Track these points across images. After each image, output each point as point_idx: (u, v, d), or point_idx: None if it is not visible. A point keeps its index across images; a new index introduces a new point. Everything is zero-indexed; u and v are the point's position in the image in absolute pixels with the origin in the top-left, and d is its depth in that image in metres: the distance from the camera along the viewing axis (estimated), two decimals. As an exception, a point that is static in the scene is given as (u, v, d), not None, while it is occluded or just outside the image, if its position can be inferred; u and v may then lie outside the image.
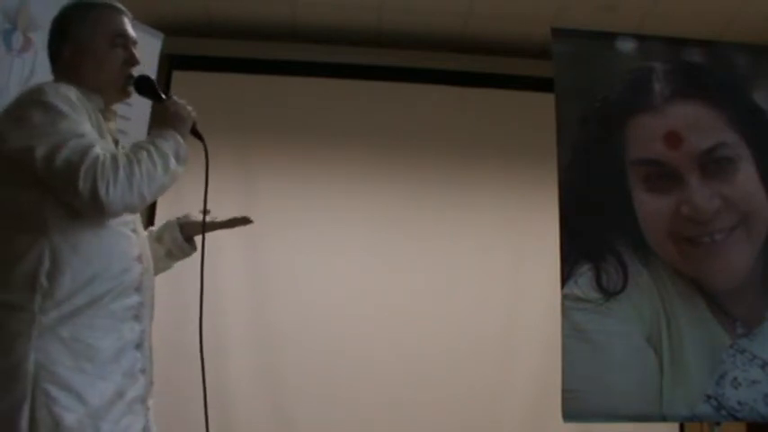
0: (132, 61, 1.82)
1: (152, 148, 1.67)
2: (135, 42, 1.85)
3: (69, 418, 1.53)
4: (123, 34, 1.82)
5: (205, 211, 1.96)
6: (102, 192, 1.56)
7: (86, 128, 1.64)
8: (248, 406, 3.68)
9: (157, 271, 1.97)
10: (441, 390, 3.68)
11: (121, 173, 1.59)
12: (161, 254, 2.00)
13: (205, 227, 1.98)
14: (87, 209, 1.60)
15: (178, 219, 2.04)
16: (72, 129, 1.61)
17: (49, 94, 1.64)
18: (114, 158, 1.60)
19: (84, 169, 1.55)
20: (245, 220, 2.07)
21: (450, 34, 4.09)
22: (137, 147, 1.69)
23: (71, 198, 1.58)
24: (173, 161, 1.69)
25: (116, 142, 1.80)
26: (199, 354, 1.80)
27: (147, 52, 1.88)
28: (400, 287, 3.85)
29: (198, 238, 2.05)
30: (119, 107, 1.92)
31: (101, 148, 1.61)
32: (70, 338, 1.58)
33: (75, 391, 1.55)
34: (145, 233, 1.90)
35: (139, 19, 1.87)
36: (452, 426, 3.65)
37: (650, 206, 2.59)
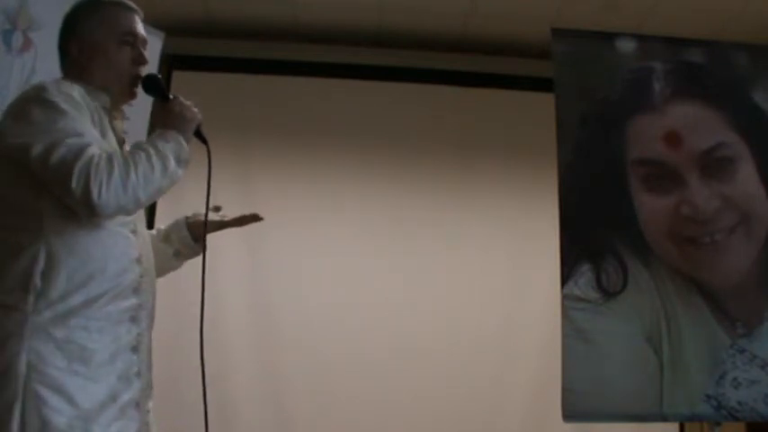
0: (140, 60, 1.80)
1: (152, 150, 1.65)
2: (145, 41, 1.82)
3: (58, 420, 1.51)
4: (132, 32, 1.80)
5: (207, 213, 1.92)
6: (94, 192, 1.53)
7: (86, 127, 1.62)
8: (249, 406, 3.68)
9: (165, 271, 1.95)
10: (441, 390, 3.68)
11: (116, 174, 1.56)
12: (169, 253, 1.97)
13: (207, 227, 1.94)
14: (79, 208, 1.58)
15: (187, 218, 2.01)
16: (70, 127, 1.59)
17: (50, 91, 1.63)
18: (110, 159, 1.57)
19: (77, 169, 1.53)
20: (254, 218, 2.03)
21: (450, 34, 4.09)
22: (136, 147, 1.67)
23: (64, 197, 1.56)
24: (172, 163, 1.66)
25: (123, 142, 1.79)
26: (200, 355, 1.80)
27: (148, 51, 1.87)
28: (400, 287, 3.85)
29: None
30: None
31: (98, 148, 1.58)
32: (64, 339, 1.56)
33: (66, 393, 1.54)
34: (148, 234, 1.88)
35: (141, 21, 1.87)
36: (453, 425, 3.64)
37: (650, 206, 2.59)
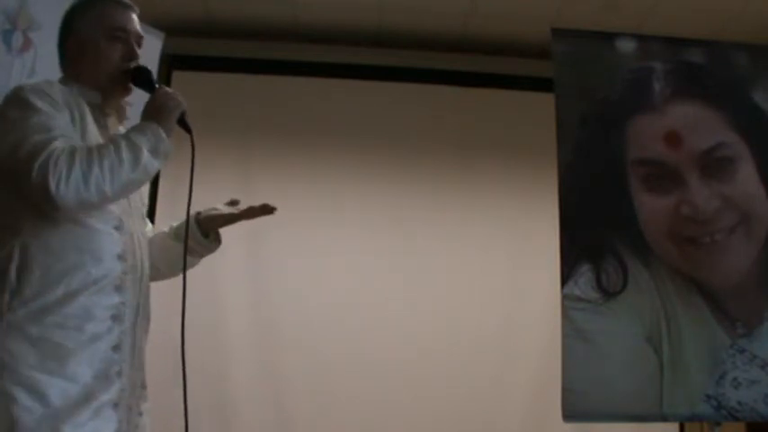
0: (131, 56, 1.78)
1: (123, 143, 1.61)
2: (139, 38, 1.81)
3: (27, 419, 1.49)
4: (124, 28, 1.78)
5: (189, 204, 1.87)
6: (51, 186, 1.51)
7: (58, 123, 1.60)
8: (249, 406, 3.67)
9: (180, 269, 1.90)
10: (441, 389, 3.68)
11: (77, 168, 1.53)
12: (180, 251, 1.92)
13: (189, 222, 1.91)
14: (41, 203, 1.55)
15: (197, 213, 1.97)
16: (42, 124, 1.57)
17: (26, 90, 1.62)
18: (72, 152, 1.55)
19: (38, 163, 1.51)
20: (264, 209, 1.99)
21: (450, 34, 4.09)
22: (109, 140, 1.64)
23: (27, 192, 1.55)
24: (146, 156, 1.62)
25: None
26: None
27: (148, 51, 1.86)
28: (400, 287, 3.85)
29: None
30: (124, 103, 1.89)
31: (64, 143, 1.56)
32: (38, 337, 1.54)
33: (37, 391, 1.52)
34: (143, 231, 1.85)
35: (139, 18, 1.87)
36: (453, 425, 3.64)
37: (650, 206, 2.59)
